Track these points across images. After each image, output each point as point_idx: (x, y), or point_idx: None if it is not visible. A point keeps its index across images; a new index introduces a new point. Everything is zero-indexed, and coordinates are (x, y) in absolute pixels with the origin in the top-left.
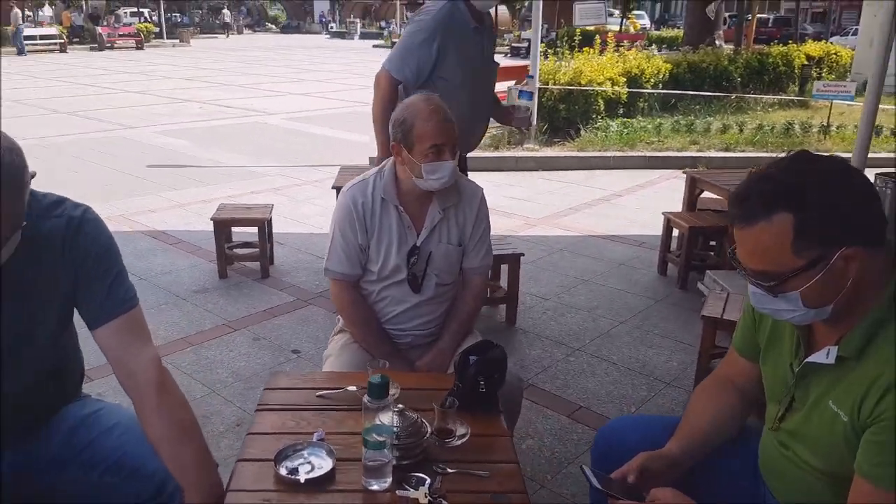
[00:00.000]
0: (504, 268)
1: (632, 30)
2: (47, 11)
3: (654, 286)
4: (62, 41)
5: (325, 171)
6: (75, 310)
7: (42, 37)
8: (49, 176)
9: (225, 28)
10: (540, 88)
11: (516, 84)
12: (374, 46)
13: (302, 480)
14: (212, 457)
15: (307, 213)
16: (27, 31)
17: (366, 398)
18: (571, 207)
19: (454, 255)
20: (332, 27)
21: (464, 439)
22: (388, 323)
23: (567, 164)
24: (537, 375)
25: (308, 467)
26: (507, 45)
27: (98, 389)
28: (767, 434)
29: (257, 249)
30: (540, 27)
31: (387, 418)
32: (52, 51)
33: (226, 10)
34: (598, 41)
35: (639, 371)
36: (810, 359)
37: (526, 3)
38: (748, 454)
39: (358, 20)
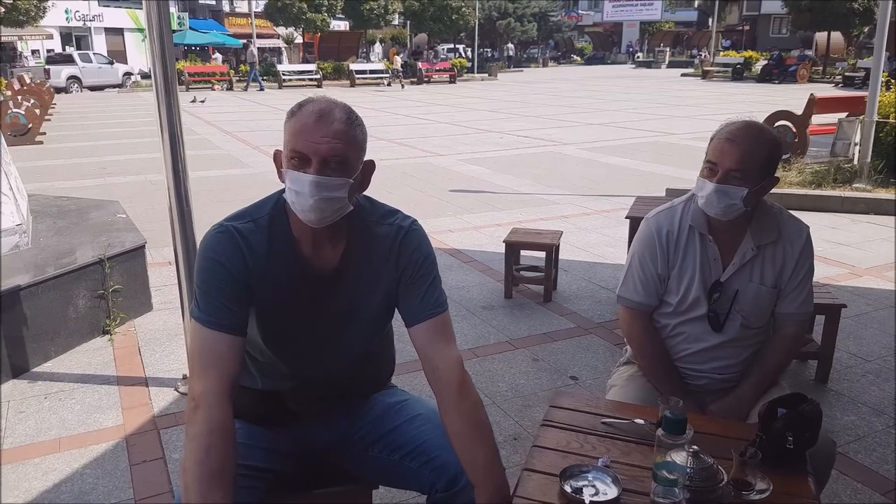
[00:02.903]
0: (819, 319)
1: None
2: (377, 49)
3: None
4: (387, 76)
5: (614, 201)
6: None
7: (371, 71)
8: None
9: (508, 61)
10: (878, 123)
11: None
12: (683, 75)
13: (587, 502)
14: (501, 460)
15: (593, 242)
16: (359, 66)
17: (660, 432)
18: None
19: (766, 298)
20: (638, 56)
21: (764, 495)
22: (682, 361)
23: None
24: (849, 444)
25: (592, 490)
26: (840, 74)
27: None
28: None
29: (542, 274)
30: (883, 53)
31: (679, 458)
32: (378, 84)
33: (509, 45)
34: None
35: None
36: None
37: (865, 30)
38: None
39: (668, 49)
